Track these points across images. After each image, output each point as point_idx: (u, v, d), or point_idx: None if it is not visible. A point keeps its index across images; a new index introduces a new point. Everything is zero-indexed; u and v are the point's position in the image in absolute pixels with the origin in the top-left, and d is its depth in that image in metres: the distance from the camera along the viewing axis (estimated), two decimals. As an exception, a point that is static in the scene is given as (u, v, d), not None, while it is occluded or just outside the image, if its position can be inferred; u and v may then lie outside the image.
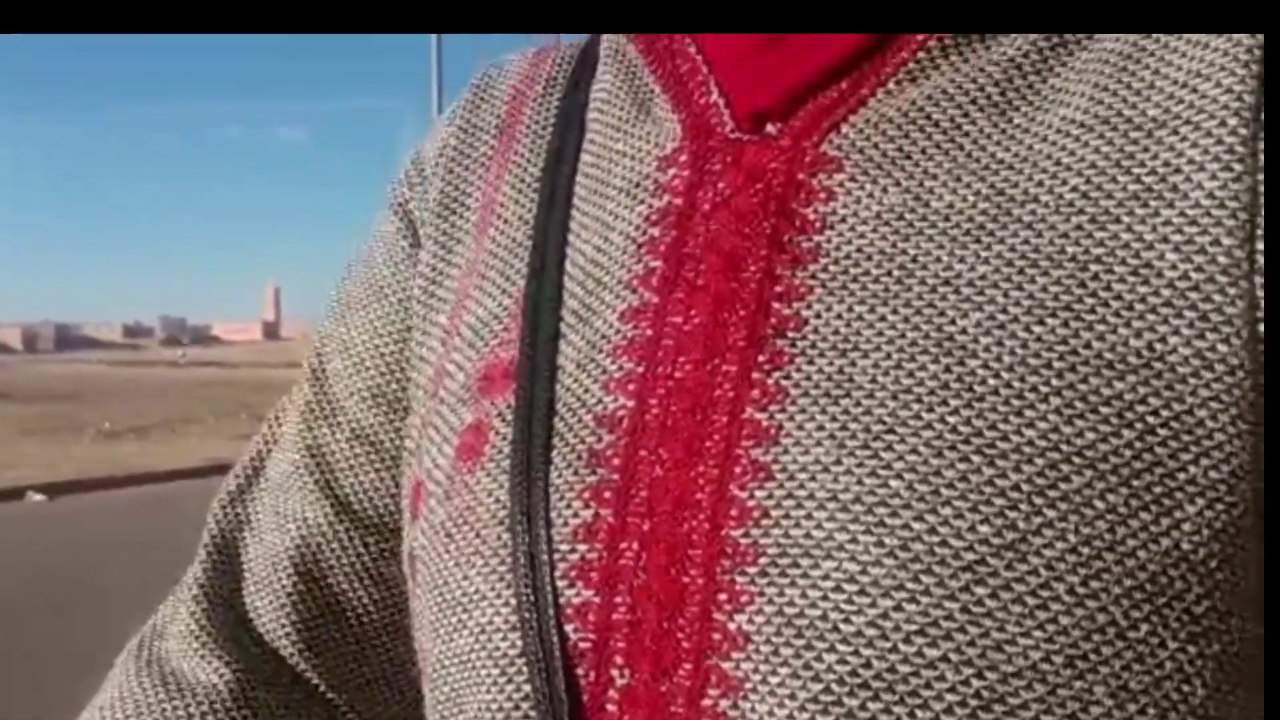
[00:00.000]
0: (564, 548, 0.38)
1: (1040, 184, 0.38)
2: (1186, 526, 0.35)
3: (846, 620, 0.34)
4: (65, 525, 8.46)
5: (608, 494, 0.39)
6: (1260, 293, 0.36)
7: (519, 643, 0.38)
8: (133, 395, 22.43)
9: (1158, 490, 0.35)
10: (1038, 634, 0.34)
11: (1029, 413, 0.35)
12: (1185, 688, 0.35)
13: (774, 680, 0.35)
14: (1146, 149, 0.38)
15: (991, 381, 0.36)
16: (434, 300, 0.49)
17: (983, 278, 0.38)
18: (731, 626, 0.36)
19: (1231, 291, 0.36)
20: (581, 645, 0.37)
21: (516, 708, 0.38)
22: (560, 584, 0.38)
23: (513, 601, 0.39)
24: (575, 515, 0.39)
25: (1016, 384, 0.36)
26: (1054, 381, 0.36)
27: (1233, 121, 0.37)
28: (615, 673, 0.37)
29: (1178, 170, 0.37)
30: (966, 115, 0.40)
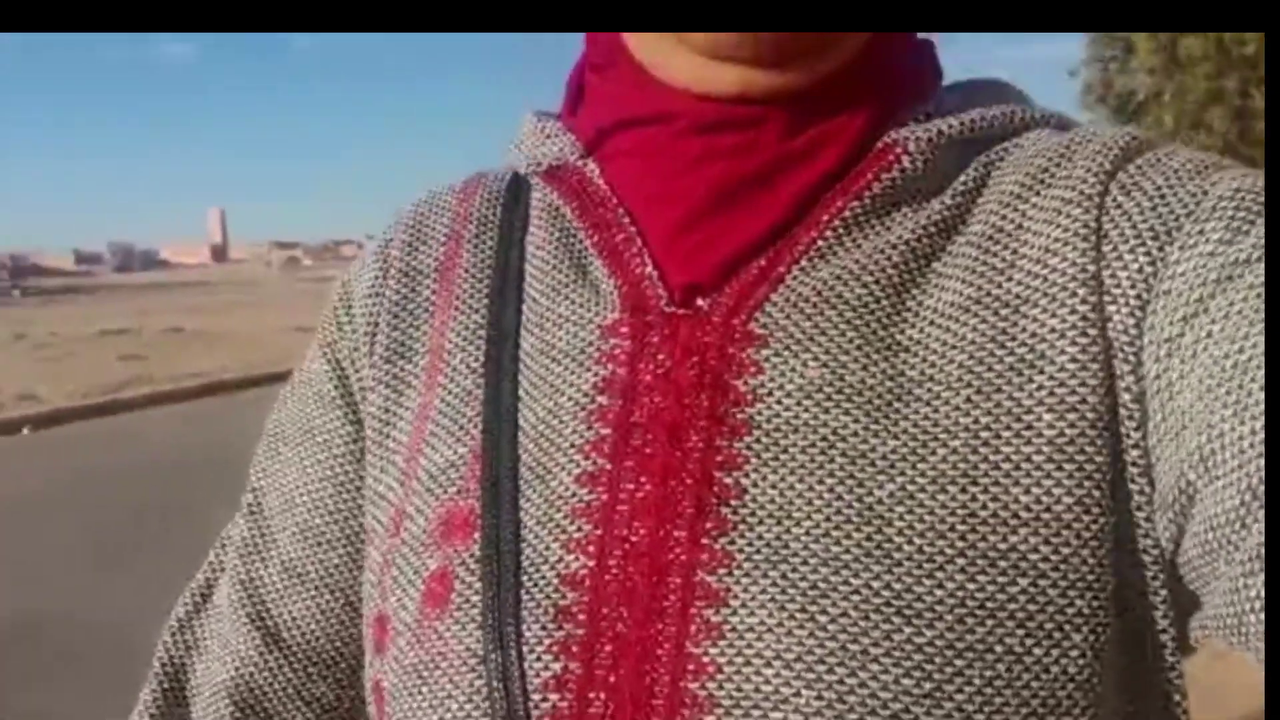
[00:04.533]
0: (536, 697, 0.42)
1: (933, 364, 0.44)
2: (1074, 653, 0.40)
3: None
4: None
5: (575, 648, 0.42)
6: (1126, 435, 0.42)
7: None
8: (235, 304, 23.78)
9: (1049, 627, 0.40)
10: None
11: (939, 574, 0.40)
12: None
13: None
14: (1016, 324, 0.43)
15: (906, 547, 0.41)
16: (389, 443, 0.52)
17: (893, 451, 0.42)
18: None
19: (1099, 442, 0.41)
20: None
21: None
22: None
23: None
24: (546, 668, 0.42)
25: (927, 548, 0.41)
26: (958, 543, 0.41)
27: (1081, 292, 0.42)
28: None
29: (1044, 339, 0.42)
30: (871, 294, 0.45)
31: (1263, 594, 0.37)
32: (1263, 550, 0.37)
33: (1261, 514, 0.37)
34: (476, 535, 0.45)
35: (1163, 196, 0.43)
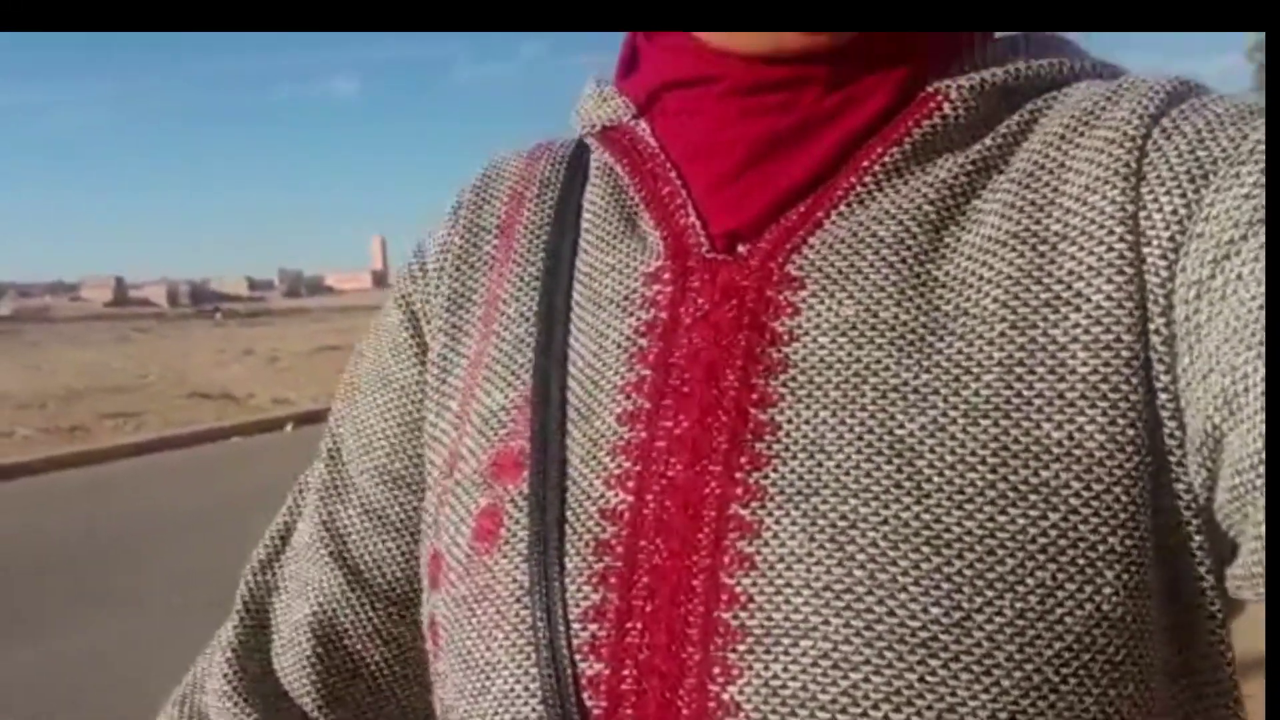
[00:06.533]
0: (577, 626, 0.44)
1: (968, 299, 0.44)
2: (1107, 590, 0.40)
3: (823, 690, 0.40)
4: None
5: (613, 579, 0.44)
6: (1157, 378, 0.42)
7: (539, 709, 0.44)
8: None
9: (1081, 563, 0.40)
10: (984, 696, 0.39)
11: (968, 506, 0.41)
12: None
13: None
14: (1053, 260, 0.43)
15: (936, 480, 0.41)
16: (445, 388, 0.55)
17: (925, 385, 0.43)
18: (725, 696, 0.41)
19: (1134, 381, 0.41)
20: (595, 713, 0.43)
21: None
22: (576, 658, 0.44)
23: (533, 671, 0.44)
24: (586, 598, 0.44)
25: (957, 480, 0.41)
26: (989, 476, 0.41)
27: (1119, 230, 0.42)
28: None
29: (1080, 277, 0.43)
30: (908, 231, 0.46)
31: None
32: None
33: None
34: (525, 474, 0.48)
35: (1201, 140, 0.42)
